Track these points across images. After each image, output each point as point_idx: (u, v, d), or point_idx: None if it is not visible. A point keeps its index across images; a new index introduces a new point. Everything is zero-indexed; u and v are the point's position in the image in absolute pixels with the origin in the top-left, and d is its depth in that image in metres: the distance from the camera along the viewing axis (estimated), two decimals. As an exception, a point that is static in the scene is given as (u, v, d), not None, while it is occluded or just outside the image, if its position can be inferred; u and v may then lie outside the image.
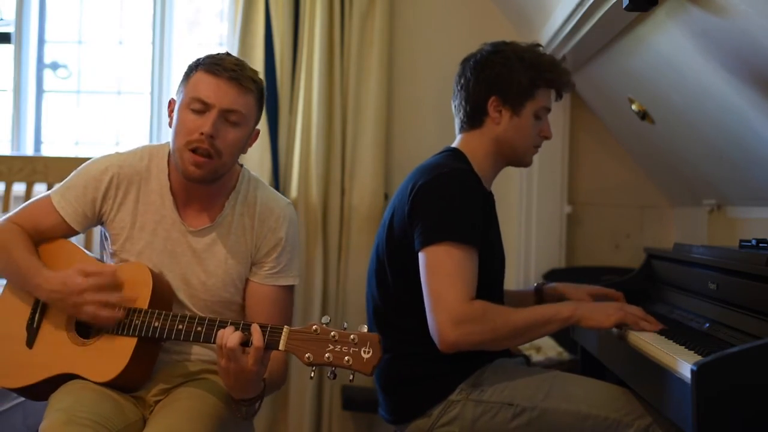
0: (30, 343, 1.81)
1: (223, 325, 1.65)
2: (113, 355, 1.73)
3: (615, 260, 3.40)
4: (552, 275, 3.28)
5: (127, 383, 1.75)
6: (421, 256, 1.84)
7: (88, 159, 1.94)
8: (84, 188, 1.86)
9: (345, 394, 3.20)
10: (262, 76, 3.20)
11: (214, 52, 1.84)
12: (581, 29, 2.55)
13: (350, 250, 3.30)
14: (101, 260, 1.94)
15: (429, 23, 3.42)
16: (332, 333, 1.55)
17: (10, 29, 3.64)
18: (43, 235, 1.88)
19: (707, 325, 1.83)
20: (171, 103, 1.84)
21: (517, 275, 3.33)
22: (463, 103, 2.03)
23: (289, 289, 1.91)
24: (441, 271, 1.79)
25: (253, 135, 1.86)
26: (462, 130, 2.06)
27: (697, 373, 1.38)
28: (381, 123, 3.30)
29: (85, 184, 1.86)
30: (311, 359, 1.55)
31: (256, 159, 3.29)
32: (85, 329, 1.80)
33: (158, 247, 1.84)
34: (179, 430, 1.64)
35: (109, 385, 1.73)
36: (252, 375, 1.60)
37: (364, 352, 1.53)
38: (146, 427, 1.69)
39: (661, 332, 1.80)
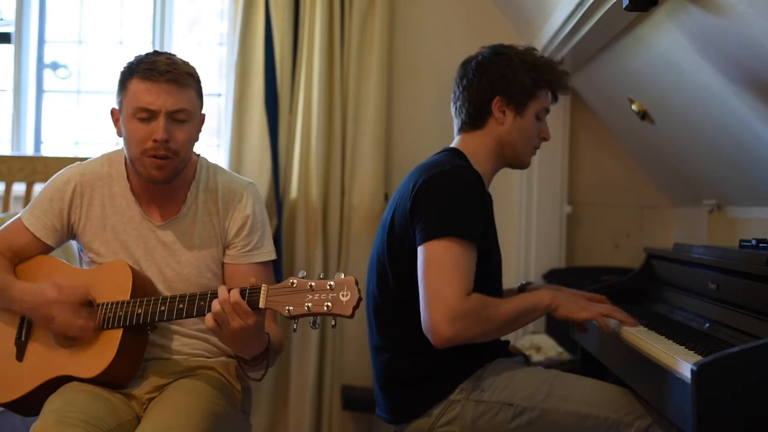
0: (20, 356, 1.83)
1: (203, 296, 1.68)
2: (101, 349, 1.75)
3: (615, 260, 3.40)
4: (552, 275, 3.28)
5: (116, 377, 1.76)
6: (420, 250, 1.84)
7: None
8: (50, 201, 1.89)
9: (345, 394, 3.20)
10: (260, 76, 3.25)
11: (142, 53, 1.85)
12: (581, 29, 2.55)
13: (350, 250, 3.30)
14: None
15: (429, 23, 3.42)
16: (310, 283, 1.58)
17: (10, 29, 3.64)
18: (20, 255, 1.91)
19: (707, 325, 1.83)
20: (113, 113, 1.86)
21: (517, 275, 3.32)
22: (466, 104, 2.03)
23: (267, 265, 1.93)
24: (440, 266, 1.80)
25: (201, 120, 1.87)
26: (462, 130, 2.06)
27: (697, 373, 1.38)
28: (381, 123, 3.30)
29: (51, 197, 1.90)
30: (292, 311, 1.57)
31: (256, 159, 3.30)
32: None
33: (131, 245, 1.87)
34: (174, 426, 1.65)
35: (100, 380, 1.74)
36: (252, 324, 1.61)
37: (342, 295, 1.56)
38: (140, 425, 1.70)
39: (661, 332, 1.80)
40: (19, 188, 3.23)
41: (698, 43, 2.09)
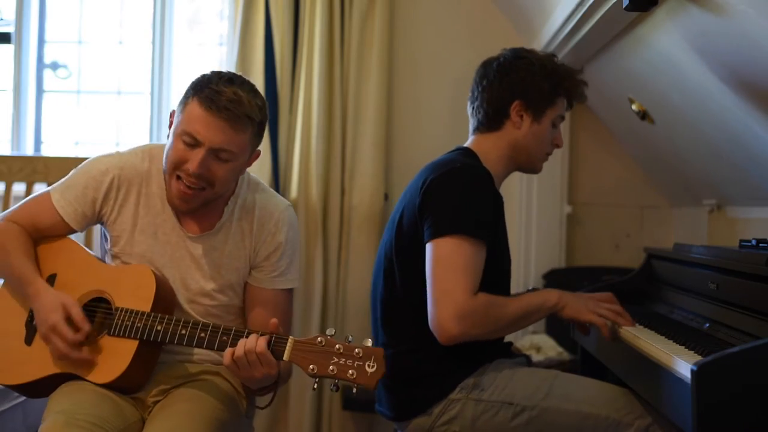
0: (29, 340, 1.81)
1: (227, 332, 1.65)
2: (114, 357, 1.73)
3: (615, 260, 3.40)
4: (552, 275, 3.28)
5: (126, 385, 1.75)
6: (428, 247, 1.84)
7: (88, 159, 1.93)
8: (84, 188, 1.84)
9: (345, 394, 3.20)
10: (260, 76, 3.25)
11: (216, 72, 1.75)
12: (581, 29, 2.55)
13: (350, 250, 3.30)
14: (102, 260, 1.94)
15: (429, 23, 3.42)
16: (337, 346, 1.55)
17: (10, 29, 3.64)
18: (42, 233, 1.87)
19: (707, 325, 1.83)
20: (172, 114, 1.80)
21: (517, 275, 3.32)
22: (484, 104, 2.03)
23: (289, 293, 1.91)
24: (449, 265, 1.80)
25: (253, 157, 1.82)
26: (477, 131, 2.06)
27: (697, 373, 1.38)
28: (381, 123, 3.30)
29: (86, 184, 1.85)
30: (315, 371, 1.55)
31: (256, 159, 3.29)
32: None
33: (158, 251, 1.84)
34: (179, 431, 1.64)
35: (109, 386, 1.73)
36: (274, 373, 1.62)
37: (369, 366, 1.54)
38: (145, 428, 1.69)
39: (661, 332, 1.80)
40: (19, 188, 3.23)
41: (698, 43, 2.09)
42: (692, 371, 1.39)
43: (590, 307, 1.88)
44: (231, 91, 1.70)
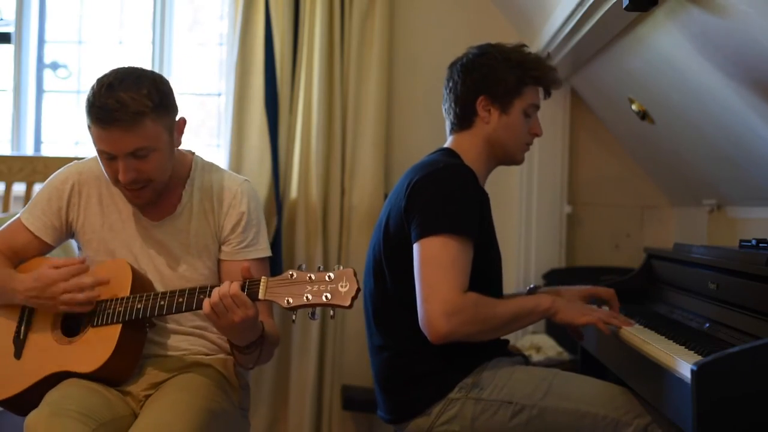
0: (18, 354, 1.84)
1: (203, 290, 1.69)
2: (99, 345, 1.76)
3: (615, 260, 3.40)
4: (552, 275, 3.28)
5: (113, 373, 1.77)
6: (416, 247, 1.85)
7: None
8: (48, 200, 1.91)
9: (345, 394, 3.20)
10: (260, 76, 3.25)
11: (98, 81, 1.74)
12: (581, 29, 2.55)
13: (350, 250, 3.30)
14: None
15: (429, 23, 3.42)
16: (309, 275, 1.60)
17: (10, 29, 3.64)
18: (20, 254, 1.92)
19: (707, 325, 1.83)
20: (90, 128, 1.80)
21: (517, 275, 3.33)
22: (453, 105, 2.06)
23: (262, 262, 1.93)
24: (436, 263, 1.80)
25: (177, 130, 1.84)
26: (453, 131, 2.08)
27: (697, 373, 1.38)
28: (381, 123, 3.30)
29: (49, 196, 1.91)
30: (291, 302, 1.59)
31: (256, 159, 3.29)
32: (71, 329, 1.83)
33: (129, 244, 1.89)
34: (169, 423, 1.65)
35: (97, 376, 1.75)
36: (252, 314, 1.64)
37: (341, 286, 1.58)
38: (136, 421, 1.70)
39: (661, 332, 1.80)
40: (19, 188, 3.23)
41: (698, 43, 2.09)
42: (692, 371, 1.39)
43: (583, 311, 1.88)
44: (113, 100, 1.70)
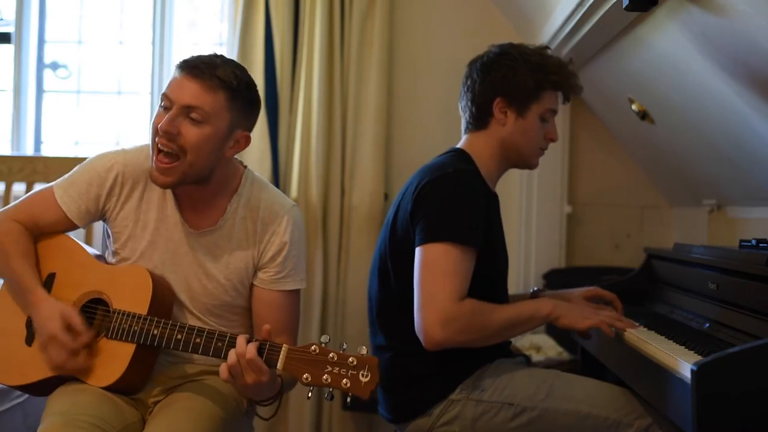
0: (29, 340, 1.81)
1: (222, 338, 1.65)
2: (112, 360, 1.73)
3: (615, 260, 3.40)
4: (552, 275, 3.28)
5: (125, 388, 1.75)
6: (418, 251, 1.84)
7: (92, 156, 1.92)
8: (88, 185, 1.84)
9: (345, 394, 3.19)
10: (261, 76, 3.25)
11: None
12: (581, 29, 2.55)
13: (350, 251, 3.30)
14: (102, 256, 1.94)
15: (429, 23, 3.42)
16: (330, 354, 1.55)
17: (10, 29, 3.64)
18: (43, 229, 1.87)
19: (707, 325, 1.83)
20: None
21: (517, 275, 3.33)
22: (469, 104, 2.03)
23: (296, 293, 1.89)
24: (436, 270, 1.80)
25: (236, 138, 1.78)
26: (468, 130, 2.07)
27: (697, 373, 1.38)
28: (381, 123, 3.30)
29: (89, 181, 1.84)
30: (309, 380, 1.55)
31: (256, 159, 3.29)
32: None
33: (160, 247, 1.83)
34: (178, 430, 1.64)
35: (108, 389, 1.73)
36: (266, 380, 1.60)
37: (362, 375, 1.54)
38: (145, 428, 1.69)
39: (661, 332, 1.80)
40: (19, 188, 3.23)
41: (698, 43, 2.09)
42: (692, 371, 1.39)
43: (586, 314, 1.87)
44: (208, 56, 1.74)
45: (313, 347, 1.56)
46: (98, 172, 1.84)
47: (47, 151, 3.71)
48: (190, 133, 1.70)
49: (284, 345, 1.59)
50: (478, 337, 1.82)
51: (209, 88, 1.70)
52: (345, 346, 1.57)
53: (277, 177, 3.30)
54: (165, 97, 1.72)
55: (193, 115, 1.70)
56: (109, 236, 1.90)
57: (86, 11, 3.76)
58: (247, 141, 1.81)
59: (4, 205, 3.16)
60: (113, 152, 1.87)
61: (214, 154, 1.75)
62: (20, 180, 3.22)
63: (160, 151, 1.71)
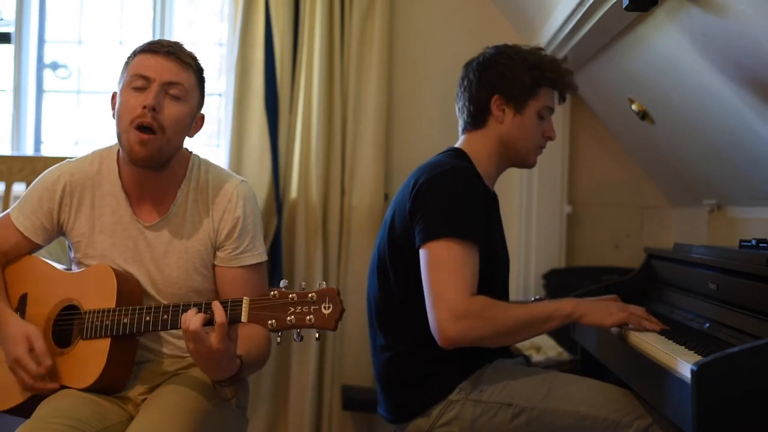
0: None
1: (186, 308, 1.65)
2: (91, 359, 1.74)
3: (615, 260, 3.40)
4: (552, 275, 3.28)
5: (109, 385, 1.76)
6: (422, 252, 1.84)
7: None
8: (39, 200, 1.88)
9: (345, 394, 3.20)
10: (260, 76, 3.25)
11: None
12: (581, 29, 2.56)
13: (350, 251, 3.30)
14: (69, 270, 1.94)
15: (429, 23, 3.42)
16: (291, 295, 1.56)
17: (10, 29, 3.64)
18: (8, 254, 1.90)
19: (707, 325, 1.83)
20: (113, 96, 1.83)
21: (518, 275, 3.33)
22: (467, 103, 2.04)
23: (258, 267, 1.89)
24: (442, 267, 1.79)
25: (198, 119, 1.86)
26: (465, 130, 2.07)
27: (697, 373, 1.38)
28: (381, 123, 3.30)
29: (40, 196, 1.89)
30: (274, 325, 1.56)
31: (256, 159, 3.29)
32: (62, 339, 1.81)
33: (120, 247, 1.85)
34: (163, 424, 1.65)
35: (92, 389, 1.74)
36: (221, 354, 1.58)
37: (324, 308, 1.55)
38: (130, 425, 1.69)
39: (661, 332, 1.80)
40: (19, 188, 3.23)
41: (698, 43, 2.09)
42: (692, 371, 1.39)
43: (611, 310, 1.83)
44: (170, 41, 1.84)
45: (273, 292, 1.58)
46: (46, 187, 1.89)
47: (47, 151, 3.71)
48: (171, 108, 1.77)
49: (245, 297, 1.60)
50: (492, 334, 1.79)
51: (185, 66, 1.80)
52: (303, 285, 1.59)
53: (277, 177, 3.30)
54: (139, 76, 1.76)
55: (173, 91, 1.77)
56: (70, 249, 1.93)
57: (86, 11, 3.76)
58: (202, 120, 1.89)
59: (4, 206, 3.17)
60: (59, 165, 1.93)
61: (185, 132, 1.83)
62: (20, 180, 3.22)
63: (141, 127, 1.74)
